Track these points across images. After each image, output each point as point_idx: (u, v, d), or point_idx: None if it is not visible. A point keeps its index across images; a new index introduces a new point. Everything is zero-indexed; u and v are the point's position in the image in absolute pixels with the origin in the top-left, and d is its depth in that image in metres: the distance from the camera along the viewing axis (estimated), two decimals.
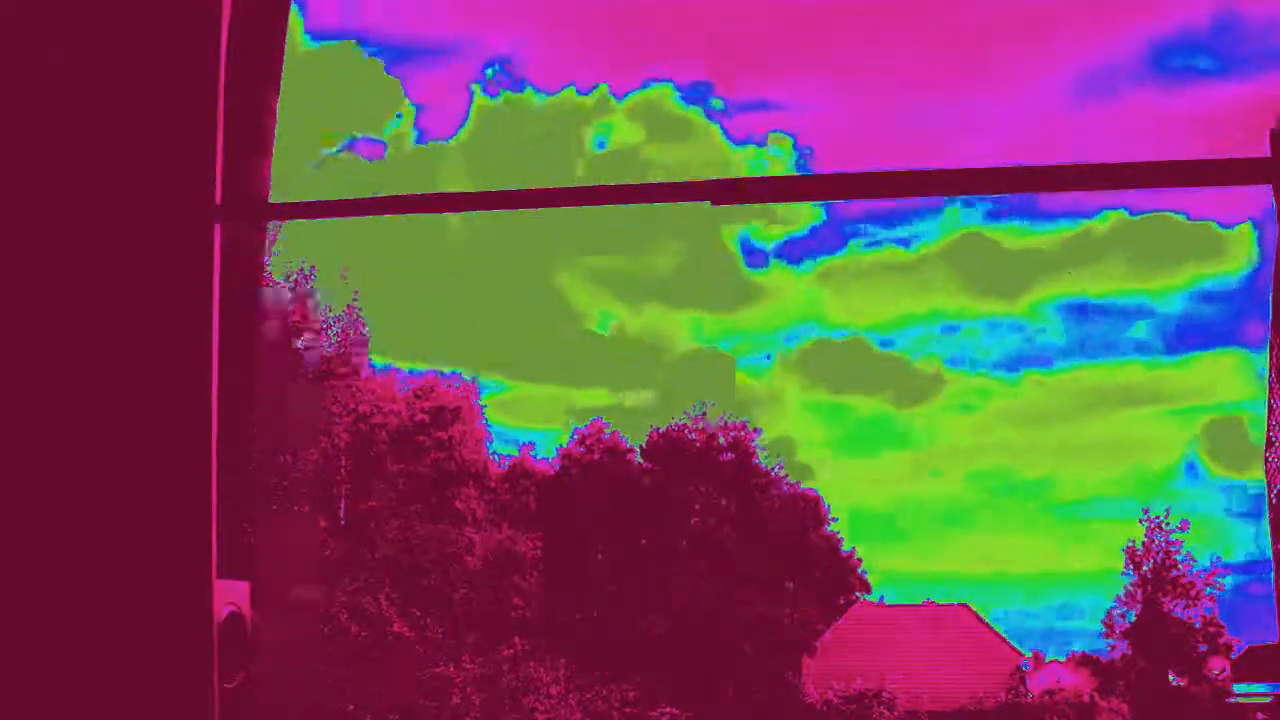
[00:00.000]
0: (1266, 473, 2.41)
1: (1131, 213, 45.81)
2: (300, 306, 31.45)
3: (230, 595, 2.80)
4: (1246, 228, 45.56)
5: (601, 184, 2.86)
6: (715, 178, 2.58)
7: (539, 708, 32.03)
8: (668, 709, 35.80)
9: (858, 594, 46.09)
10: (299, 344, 31.38)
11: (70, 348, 2.81)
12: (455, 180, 39.74)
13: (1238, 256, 46.85)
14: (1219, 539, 46.05)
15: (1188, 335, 47.40)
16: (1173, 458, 48.80)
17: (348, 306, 32.97)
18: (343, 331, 32.72)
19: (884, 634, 42.91)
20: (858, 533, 53.27)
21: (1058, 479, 49.60)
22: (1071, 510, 52.37)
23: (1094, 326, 47.82)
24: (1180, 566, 41.21)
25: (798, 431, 50.69)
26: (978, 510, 51.38)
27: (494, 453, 41.75)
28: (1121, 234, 46.07)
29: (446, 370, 43.64)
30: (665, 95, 43.76)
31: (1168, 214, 45.58)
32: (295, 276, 31.55)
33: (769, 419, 50.37)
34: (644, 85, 44.84)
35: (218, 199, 2.83)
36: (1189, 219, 47.04)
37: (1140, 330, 46.78)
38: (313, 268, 31.90)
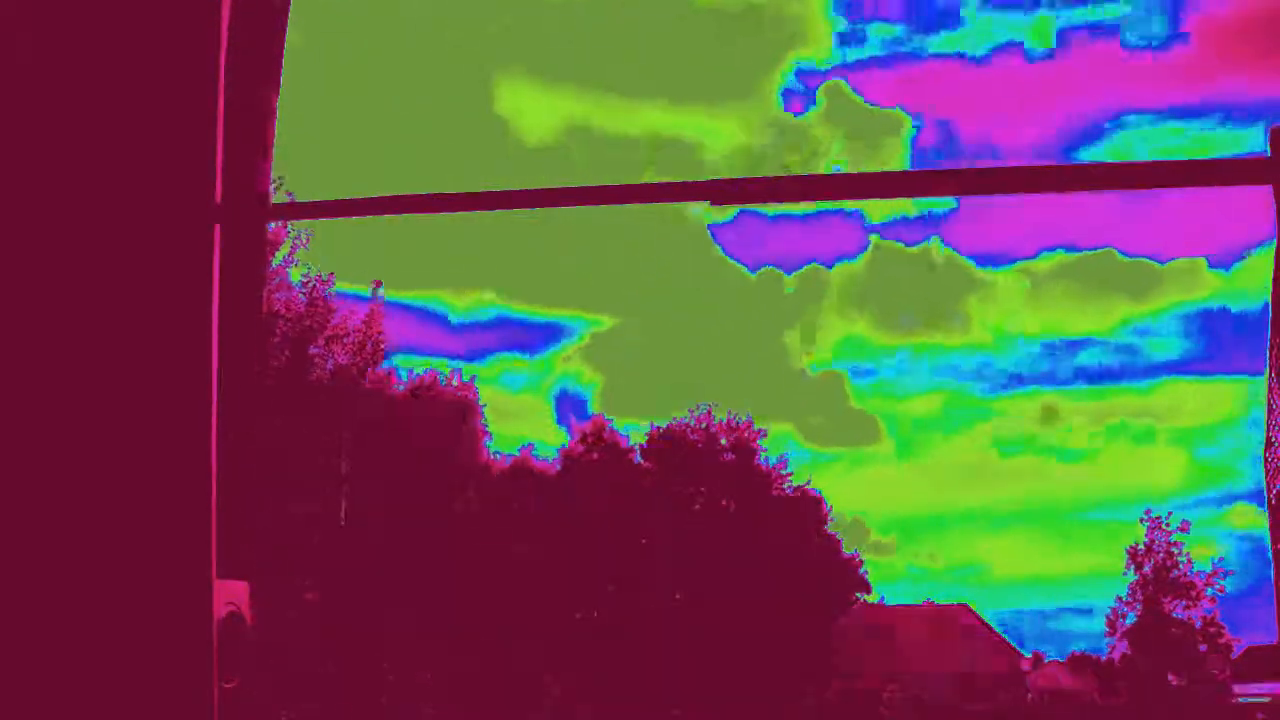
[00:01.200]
0: (1266, 473, 2.42)
1: (1069, 250, 47.74)
2: (315, 311, 31.06)
3: (230, 595, 2.80)
4: (1186, 263, 47.72)
5: (601, 185, 2.86)
6: (715, 178, 2.59)
7: (540, 708, 32.04)
8: (671, 710, 35.80)
9: (858, 594, 46.08)
10: (313, 350, 31.04)
11: (69, 348, 2.81)
12: None
13: (1173, 292, 48.93)
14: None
15: (1140, 362, 49.61)
16: (1163, 465, 49.58)
17: (368, 310, 32.50)
18: (359, 341, 32.28)
19: (884, 634, 42.88)
20: (858, 534, 53.33)
21: (1056, 481, 49.78)
22: (1072, 511, 52.50)
23: (1053, 354, 49.72)
24: (1181, 567, 41.23)
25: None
26: (979, 511, 51.42)
27: (494, 452, 41.73)
28: (1065, 271, 48.28)
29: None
30: None
31: (1110, 249, 48.20)
32: (312, 282, 31.19)
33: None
34: None
35: (218, 199, 2.84)
36: (1127, 255, 49.66)
37: (1089, 358, 48.87)
38: (330, 275, 31.51)
